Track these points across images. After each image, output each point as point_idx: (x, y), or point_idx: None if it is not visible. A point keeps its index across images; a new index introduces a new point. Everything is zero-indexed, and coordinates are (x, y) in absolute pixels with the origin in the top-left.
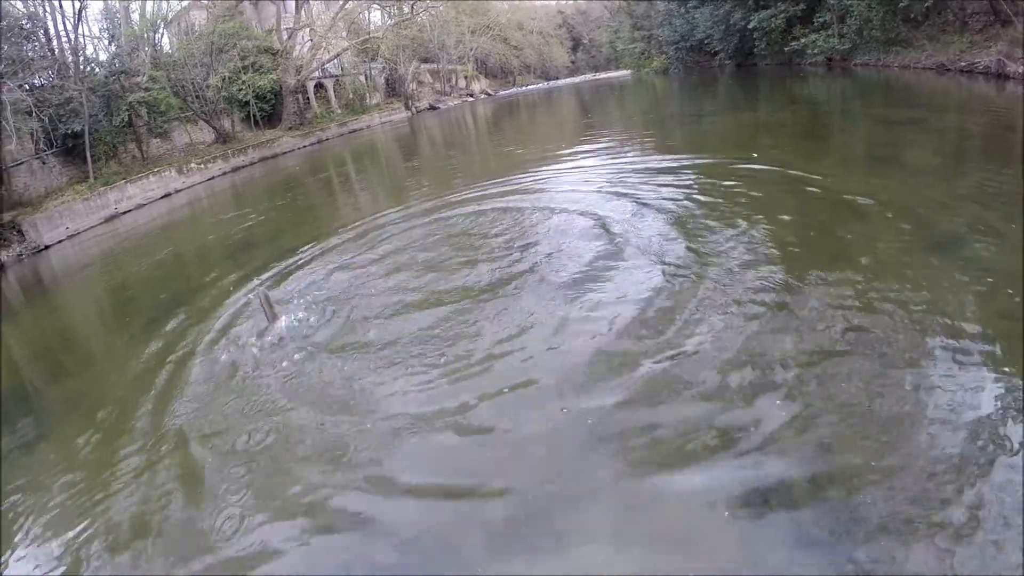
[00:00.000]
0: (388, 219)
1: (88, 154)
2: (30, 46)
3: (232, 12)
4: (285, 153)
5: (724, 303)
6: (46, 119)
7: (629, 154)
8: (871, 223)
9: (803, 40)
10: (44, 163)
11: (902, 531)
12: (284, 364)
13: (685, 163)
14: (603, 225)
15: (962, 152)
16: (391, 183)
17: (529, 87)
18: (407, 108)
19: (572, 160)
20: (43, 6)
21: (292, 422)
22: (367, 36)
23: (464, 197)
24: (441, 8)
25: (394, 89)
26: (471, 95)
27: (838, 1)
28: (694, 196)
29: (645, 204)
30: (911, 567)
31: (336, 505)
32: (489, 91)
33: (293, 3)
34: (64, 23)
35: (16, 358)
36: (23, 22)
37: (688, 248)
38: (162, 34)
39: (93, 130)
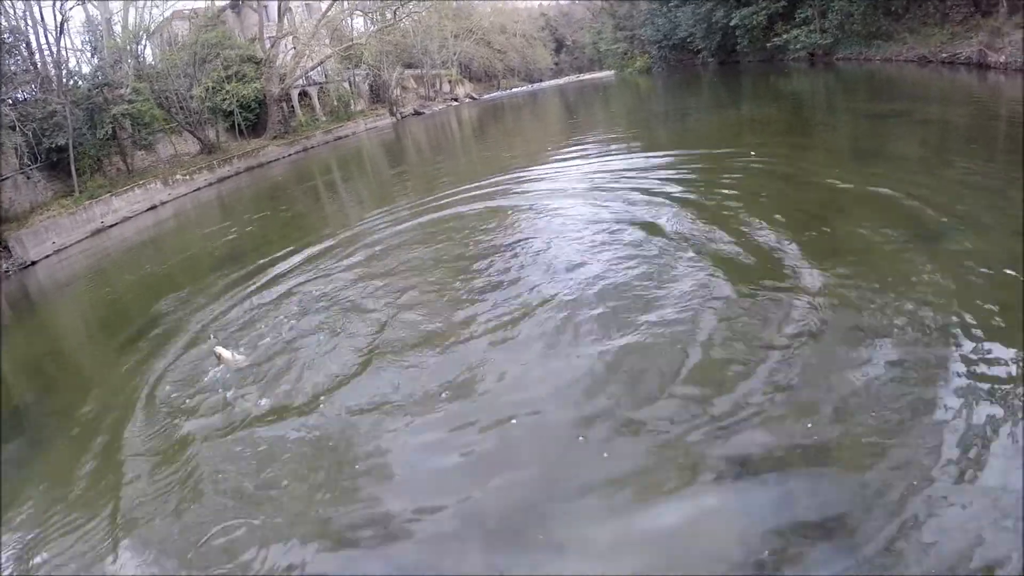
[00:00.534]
0: (375, 226)
1: (73, 168)
2: (12, 60)
3: (215, 22)
4: (271, 162)
5: (711, 295)
6: (30, 133)
7: (616, 153)
8: (857, 215)
9: (785, 36)
10: (29, 178)
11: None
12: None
13: (672, 160)
14: (592, 225)
15: (946, 143)
16: (378, 190)
17: (513, 90)
18: (392, 114)
19: (560, 161)
20: (25, 19)
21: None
22: (350, 43)
23: (451, 202)
24: (424, 13)
25: (378, 95)
26: (456, 99)
27: None
28: (682, 192)
29: (633, 203)
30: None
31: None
32: (474, 95)
33: (276, 11)
34: (46, 36)
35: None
36: (4, 35)
37: (677, 242)
38: (145, 45)
39: (77, 143)
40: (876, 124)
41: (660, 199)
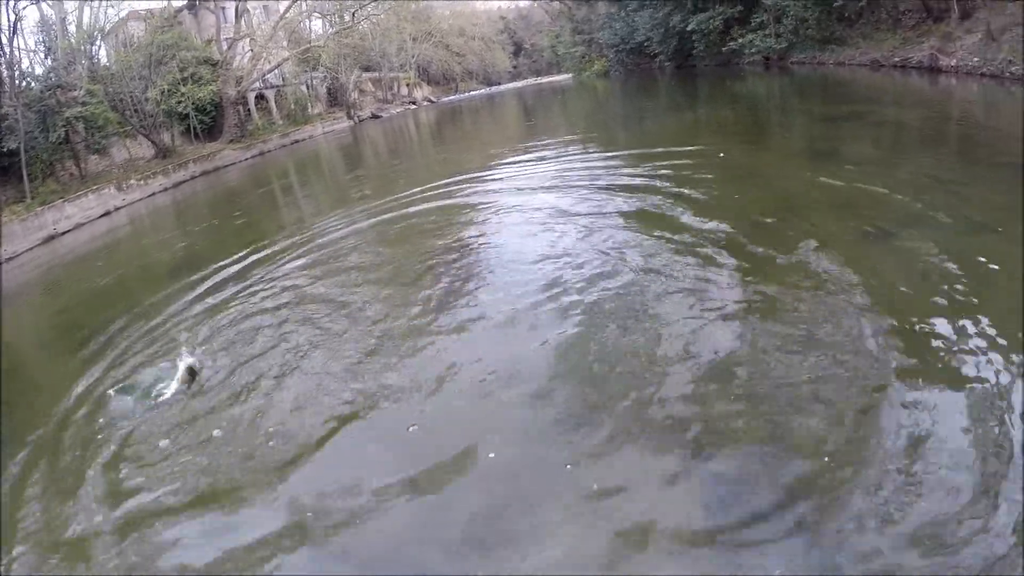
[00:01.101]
0: (331, 230)
1: (24, 173)
2: None
3: (171, 22)
4: (227, 166)
5: (668, 293)
6: None
7: (573, 155)
8: (812, 212)
9: (740, 40)
10: None
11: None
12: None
13: (628, 160)
14: (545, 222)
15: (900, 143)
16: (336, 194)
17: (471, 93)
18: (349, 117)
19: (516, 163)
20: None
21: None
22: (308, 45)
23: (407, 204)
24: (383, 16)
25: (336, 98)
26: (413, 102)
27: (774, 2)
28: (637, 192)
29: (588, 200)
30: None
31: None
32: (431, 98)
33: (233, 12)
34: None
35: None
36: None
37: (633, 242)
38: (99, 46)
39: (29, 147)
40: (831, 125)
41: (617, 196)
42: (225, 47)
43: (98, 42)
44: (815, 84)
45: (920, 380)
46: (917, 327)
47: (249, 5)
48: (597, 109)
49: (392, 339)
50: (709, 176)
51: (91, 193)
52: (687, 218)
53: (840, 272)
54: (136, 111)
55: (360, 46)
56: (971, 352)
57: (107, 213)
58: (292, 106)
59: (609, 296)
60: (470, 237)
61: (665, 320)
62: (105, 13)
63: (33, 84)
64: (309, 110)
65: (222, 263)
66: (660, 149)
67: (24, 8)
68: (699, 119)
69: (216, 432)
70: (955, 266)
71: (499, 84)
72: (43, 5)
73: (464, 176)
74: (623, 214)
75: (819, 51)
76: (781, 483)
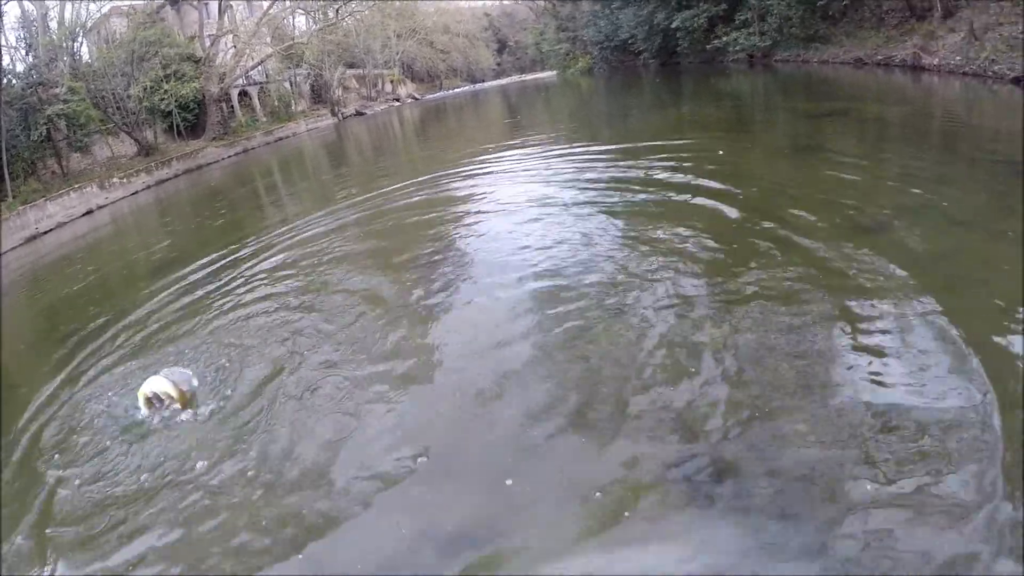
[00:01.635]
0: (314, 227)
1: (6, 172)
2: None
3: (153, 18)
4: (210, 164)
5: (652, 292)
6: None
7: (556, 151)
8: (798, 211)
9: (725, 38)
10: None
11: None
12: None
13: (611, 157)
14: (529, 217)
15: (883, 140)
16: (320, 192)
17: (456, 90)
18: (333, 114)
19: (498, 161)
20: None
21: None
22: (292, 42)
23: (392, 200)
24: (367, 12)
25: (320, 95)
26: (397, 100)
27: (759, 0)
28: (622, 190)
29: (572, 194)
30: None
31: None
32: (415, 95)
33: (216, 8)
34: None
35: None
36: None
37: (618, 236)
38: (81, 43)
39: (10, 146)
40: (815, 122)
41: (601, 191)
42: (208, 43)
43: (80, 38)
44: (799, 82)
45: (908, 375)
46: (902, 320)
47: (232, 1)
48: (581, 106)
49: (378, 332)
50: (693, 171)
51: (73, 192)
52: (671, 212)
53: (825, 267)
54: (118, 108)
55: (344, 43)
56: (961, 345)
57: (89, 212)
58: (276, 103)
59: (593, 289)
60: (454, 233)
61: (648, 311)
62: (87, 9)
63: (14, 81)
64: (293, 107)
65: (204, 262)
66: (644, 144)
67: (5, 4)
68: (683, 116)
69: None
70: (941, 261)
71: (483, 81)
72: (24, 1)
73: (448, 173)
74: (608, 209)
75: (803, 49)
76: (772, 473)
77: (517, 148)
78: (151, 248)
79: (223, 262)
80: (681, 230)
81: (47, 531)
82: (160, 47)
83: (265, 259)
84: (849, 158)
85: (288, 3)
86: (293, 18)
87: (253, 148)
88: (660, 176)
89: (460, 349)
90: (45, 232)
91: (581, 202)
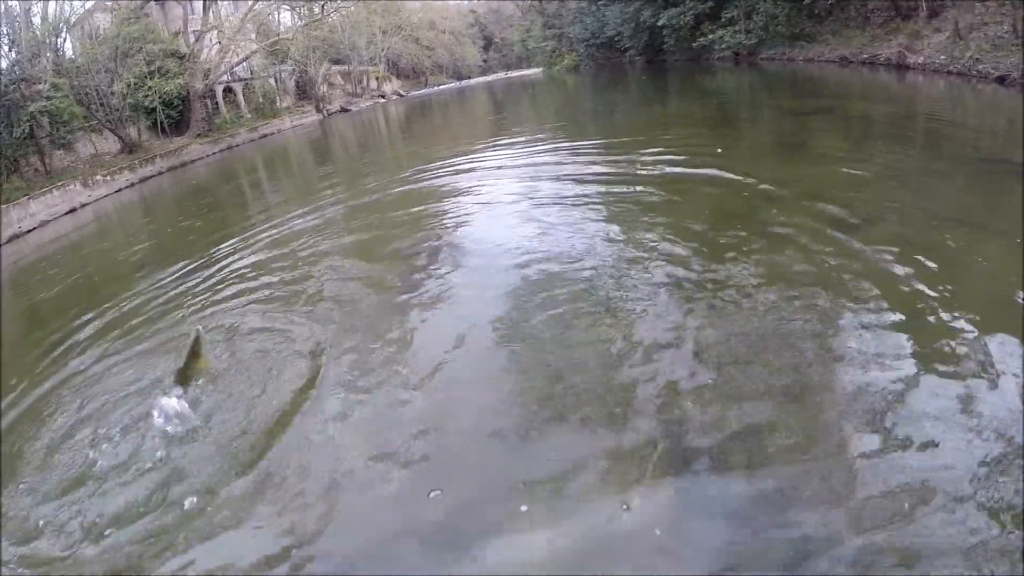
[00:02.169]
0: (299, 225)
1: None
2: None
3: (137, 14)
4: (194, 161)
5: (638, 287)
6: None
7: (542, 147)
8: (784, 207)
9: (711, 36)
10: None
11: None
12: None
13: (597, 154)
14: (515, 213)
15: (868, 138)
16: (305, 189)
17: (441, 87)
18: (318, 111)
19: (484, 158)
20: None
21: None
22: (277, 38)
23: (379, 197)
24: (352, 8)
25: (305, 92)
26: (383, 96)
27: None
28: (607, 186)
29: (557, 191)
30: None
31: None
32: (401, 92)
33: (200, 4)
34: None
35: None
36: None
37: (602, 232)
38: (65, 38)
39: None
40: (800, 120)
41: (586, 188)
42: (192, 39)
43: (63, 34)
44: (785, 80)
45: (890, 370)
46: (886, 317)
47: None
48: (567, 103)
49: (366, 329)
50: (677, 169)
51: (56, 190)
52: (656, 209)
53: (808, 263)
54: (102, 105)
55: (329, 39)
56: (944, 341)
57: (73, 210)
58: (260, 100)
59: (579, 285)
60: (439, 229)
61: (632, 308)
62: (71, 4)
63: None
64: (278, 104)
65: (190, 260)
66: (628, 139)
67: None
68: (669, 113)
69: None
70: (924, 258)
71: (469, 78)
72: None
73: (433, 169)
74: (592, 205)
75: (789, 47)
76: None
77: (503, 145)
78: (133, 247)
79: (205, 261)
80: (664, 228)
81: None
82: (144, 43)
83: (247, 256)
84: (834, 155)
85: None
86: (278, 14)
87: (238, 145)
88: (645, 174)
89: (439, 346)
90: (28, 231)
91: (566, 197)
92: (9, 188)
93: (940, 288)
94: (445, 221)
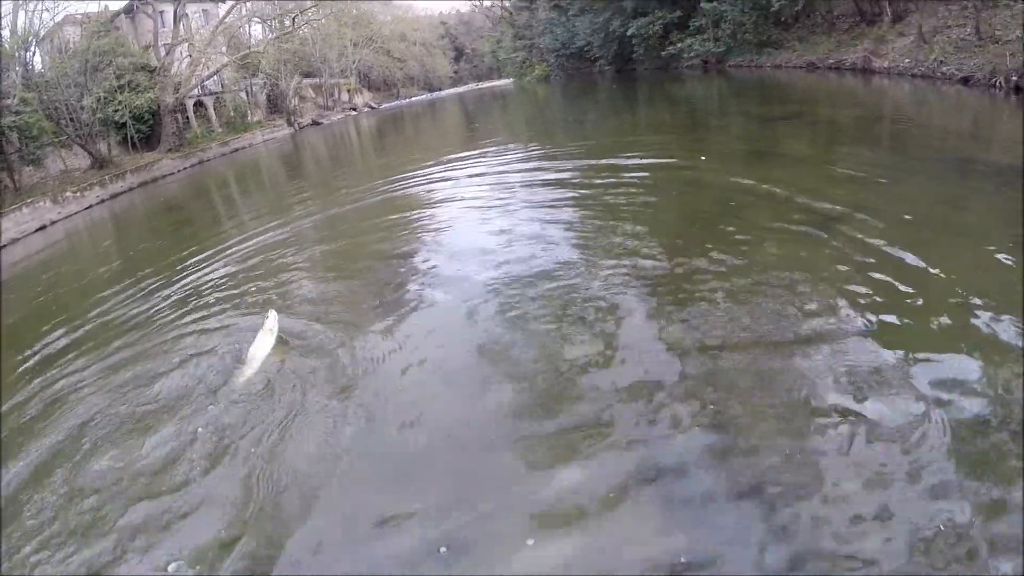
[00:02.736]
0: (270, 240)
1: None
2: None
3: (108, 27)
4: (165, 176)
5: (611, 287)
6: None
7: (512, 159)
8: (751, 208)
9: (680, 45)
10: None
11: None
12: None
13: (566, 163)
14: (485, 223)
15: (835, 142)
16: (276, 204)
17: (413, 99)
18: (290, 124)
19: (457, 171)
20: None
21: None
22: (248, 51)
23: (350, 210)
24: (323, 21)
25: (276, 105)
26: (354, 109)
27: (713, 7)
28: (580, 193)
29: (528, 202)
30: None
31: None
32: (372, 104)
33: (171, 16)
34: None
35: None
36: None
37: (577, 241)
38: (34, 52)
39: None
40: (768, 125)
41: (556, 202)
42: (163, 53)
43: (33, 48)
44: (752, 86)
45: (863, 369)
46: (856, 319)
47: (188, 9)
48: (538, 114)
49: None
50: (648, 174)
51: (25, 207)
52: (627, 216)
53: (779, 265)
54: (72, 120)
55: (300, 52)
56: (915, 339)
57: (43, 227)
58: (231, 113)
59: (549, 294)
60: (413, 239)
61: (600, 315)
62: (40, 17)
63: None
64: (249, 117)
65: (161, 276)
66: (598, 147)
67: None
68: (639, 122)
69: None
70: (894, 257)
71: (440, 90)
72: None
73: (405, 181)
74: (564, 214)
75: (756, 54)
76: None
77: (475, 156)
78: (103, 266)
79: (174, 276)
80: (635, 234)
81: None
82: (114, 56)
83: (216, 271)
84: (802, 158)
85: (244, 11)
86: (249, 27)
87: (209, 160)
88: (615, 182)
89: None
90: None
91: (534, 213)
92: None
93: (913, 287)
94: (416, 232)
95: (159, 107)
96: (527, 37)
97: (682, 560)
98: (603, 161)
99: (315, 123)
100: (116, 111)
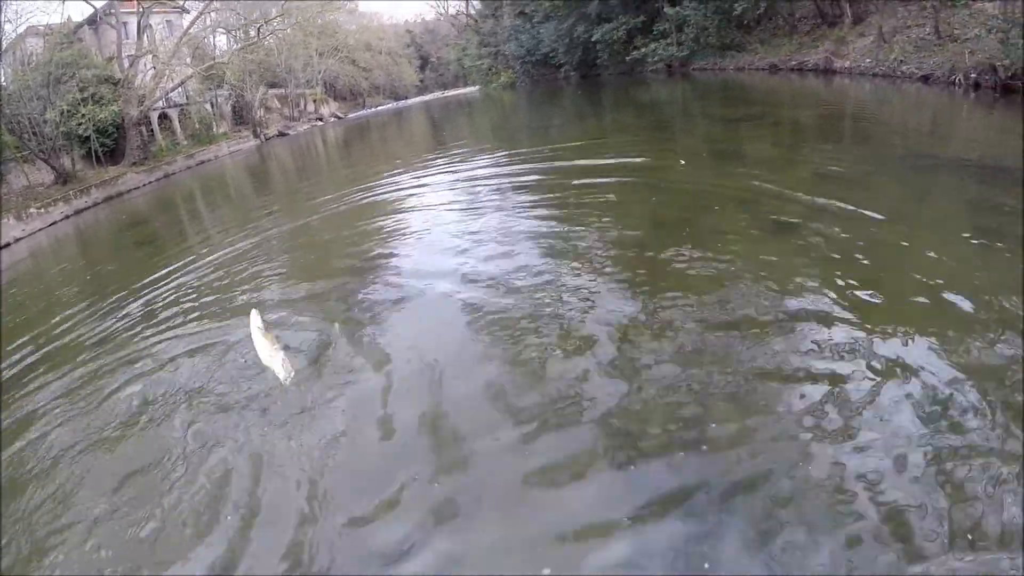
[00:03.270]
0: (237, 253)
1: None
2: None
3: (71, 39)
4: (131, 191)
5: (584, 285)
6: None
7: (479, 164)
8: (717, 210)
9: (643, 49)
10: None
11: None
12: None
13: (533, 168)
14: (451, 230)
15: (798, 141)
16: (243, 216)
17: (379, 108)
18: (256, 136)
19: (426, 175)
20: None
21: None
22: (212, 62)
23: (319, 219)
24: (289, 31)
25: (242, 117)
26: (320, 119)
27: (676, 12)
28: (544, 198)
29: (495, 207)
30: None
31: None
32: (339, 114)
33: (135, 28)
34: None
35: None
36: None
37: (545, 245)
38: None
39: None
40: (732, 127)
41: (522, 207)
42: (127, 64)
43: None
44: (716, 89)
45: (830, 366)
46: (824, 313)
47: (152, 20)
48: (504, 121)
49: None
50: (615, 178)
51: None
52: (594, 219)
53: (746, 265)
54: (35, 134)
55: (266, 62)
56: (883, 336)
57: (7, 245)
58: (197, 125)
59: (519, 300)
60: (379, 246)
61: (573, 317)
62: (2, 30)
63: None
64: (214, 129)
65: (128, 294)
66: (563, 151)
67: None
68: (604, 126)
69: None
70: (859, 254)
71: (406, 98)
72: None
73: (372, 189)
74: (531, 216)
75: (719, 57)
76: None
77: (441, 163)
78: (68, 283)
79: (143, 296)
80: (603, 238)
81: None
82: (77, 69)
83: (183, 284)
84: (767, 158)
85: (209, 22)
86: (214, 38)
87: (175, 173)
88: (582, 185)
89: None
90: None
91: (502, 217)
92: None
93: (871, 284)
94: (385, 238)
95: (123, 120)
96: (492, 44)
97: (682, 561)
98: (570, 163)
99: (281, 134)
100: (80, 124)
